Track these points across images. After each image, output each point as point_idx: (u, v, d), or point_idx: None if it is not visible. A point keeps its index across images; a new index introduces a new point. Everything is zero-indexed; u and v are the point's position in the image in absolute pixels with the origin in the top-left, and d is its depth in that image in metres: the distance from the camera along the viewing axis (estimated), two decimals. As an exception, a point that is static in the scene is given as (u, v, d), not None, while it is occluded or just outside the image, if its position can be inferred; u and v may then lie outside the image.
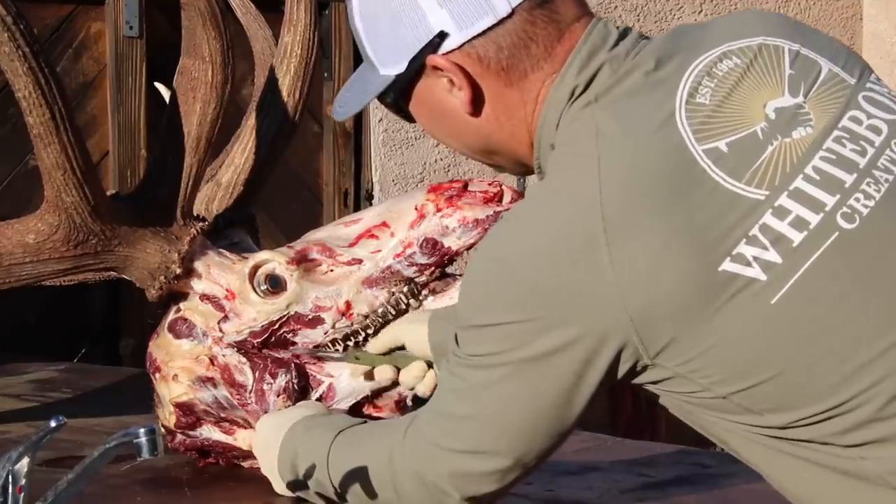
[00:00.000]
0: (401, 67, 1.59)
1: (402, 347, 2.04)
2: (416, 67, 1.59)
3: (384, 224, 2.09)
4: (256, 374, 2.04)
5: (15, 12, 1.88)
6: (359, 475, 1.73)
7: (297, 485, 1.84)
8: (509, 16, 1.55)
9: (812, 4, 5.58)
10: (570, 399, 1.53)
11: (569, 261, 1.46)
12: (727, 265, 1.44)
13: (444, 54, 1.57)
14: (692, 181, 1.46)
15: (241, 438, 2.08)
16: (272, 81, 2.23)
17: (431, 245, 2.06)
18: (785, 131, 1.50)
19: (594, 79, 1.55)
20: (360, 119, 4.44)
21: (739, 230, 1.44)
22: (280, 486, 1.89)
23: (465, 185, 2.09)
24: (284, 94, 2.22)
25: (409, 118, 1.68)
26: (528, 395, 1.53)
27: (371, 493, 1.71)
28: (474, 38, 1.56)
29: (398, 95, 1.63)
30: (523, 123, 1.60)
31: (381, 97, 1.64)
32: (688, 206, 1.45)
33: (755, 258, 1.44)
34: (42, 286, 2.11)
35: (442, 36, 1.56)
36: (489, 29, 1.55)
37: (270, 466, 1.89)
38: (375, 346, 2.05)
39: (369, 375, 2.05)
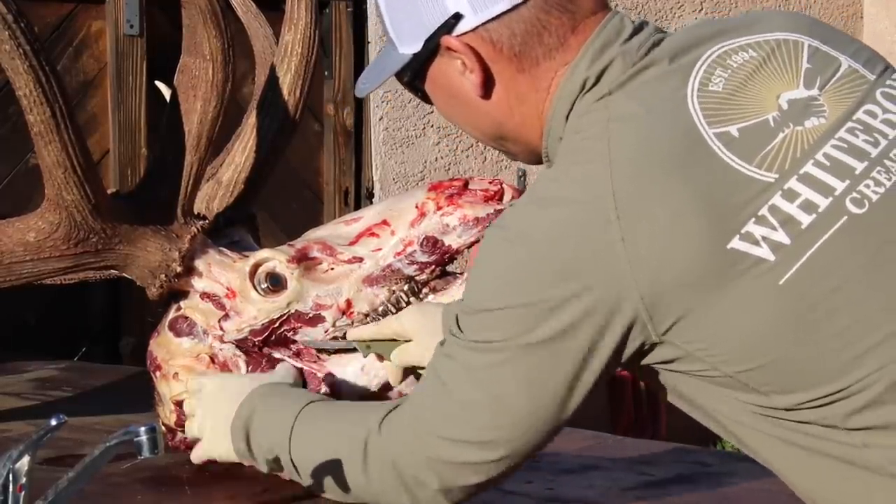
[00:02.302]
0: (417, 47, 1.62)
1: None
2: (432, 48, 1.61)
3: (385, 222, 2.09)
4: (249, 369, 2.04)
5: (15, 10, 1.88)
6: (326, 453, 1.72)
7: (247, 450, 1.83)
8: (524, 2, 1.57)
9: (812, 3, 5.58)
10: (574, 383, 1.53)
11: (580, 239, 1.47)
12: (736, 243, 1.45)
13: (458, 36, 1.59)
14: (702, 161, 1.47)
15: (241, 437, 2.07)
16: (273, 80, 2.23)
17: (432, 243, 2.06)
18: (797, 120, 1.51)
19: (605, 72, 1.56)
20: (360, 117, 4.44)
21: (748, 209, 1.45)
22: (222, 449, 1.87)
23: (466, 184, 2.09)
24: (285, 92, 2.22)
25: (427, 100, 1.69)
26: (533, 379, 1.53)
27: (337, 473, 1.71)
28: (488, 21, 1.58)
29: (414, 75, 1.65)
30: (534, 111, 1.62)
31: (399, 76, 1.66)
32: (697, 184, 1.46)
33: (764, 238, 1.45)
34: (42, 285, 2.11)
35: (457, 17, 1.58)
36: (504, 13, 1.57)
37: (223, 424, 1.86)
38: (372, 331, 2.00)
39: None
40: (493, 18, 1.57)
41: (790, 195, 1.47)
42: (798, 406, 1.48)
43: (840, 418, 1.47)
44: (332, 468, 1.73)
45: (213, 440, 1.90)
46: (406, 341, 1.98)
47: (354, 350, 2.02)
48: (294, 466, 1.78)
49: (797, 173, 1.48)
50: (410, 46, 1.62)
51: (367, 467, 1.67)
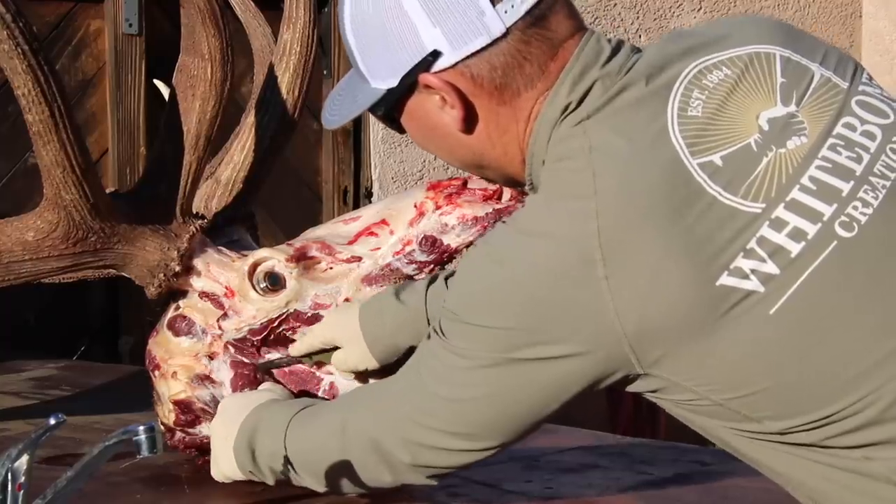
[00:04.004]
0: (392, 83, 1.58)
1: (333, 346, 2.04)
2: (408, 84, 1.58)
3: (383, 222, 2.09)
4: (236, 385, 2.05)
5: (14, 10, 1.88)
6: (311, 446, 1.77)
7: (251, 461, 1.86)
8: (504, 36, 1.54)
9: (811, 2, 5.58)
10: (550, 401, 1.55)
11: (566, 279, 1.46)
12: (725, 279, 1.44)
13: (436, 73, 1.56)
14: (688, 196, 1.45)
15: (240, 436, 2.08)
16: (271, 79, 2.23)
17: (431, 242, 2.06)
18: (779, 142, 1.50)
19: (586, 96, 1.54)
20: (359, 117, 4.43)
21: (737, 244, 1.44)
22: (230, 465, 1.90)
23: (465, 183, 2.09)
24: (284, 91, 2.22)
25: (400, 129, 1.67)
26: (508, 390, 1.54)
27: (321, 461, 1.76)
28: (468, 57, 1.54)
29: (389, 108, 1.62)
30: (515, 140, 1.60)
31: (372, 109, 1.63)
32: (684, 222, 1.44)
33: (753, 271, 1.44)
34: (41, 284, 2.11)
35: (435, 54, 1.55)
36: (483, 49, 1.54)
37: (227, 441, 1.90)
38: (304, 346, 2.04)
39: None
40: (473, 54, 1.54)
41: (778, 224, 1.45)
42: (792, 429, 1.48)
43: (836, 438, 1.47)
44: (320, 459, 1.76)
45: (216, 459, 1.94)
46: (336, 348, 2.02)
47: (302, 362, 2.06)
48: (291, 466, 1.79)
49: (784, 201, 1.46)
50: (384, 82, 1.59)
51: (346, 446, 1.71)
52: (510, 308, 1.49)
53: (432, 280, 1.98)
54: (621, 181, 1.46)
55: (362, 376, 2.03)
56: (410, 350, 1.96)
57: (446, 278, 1.97)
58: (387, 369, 1.98)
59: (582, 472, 2.18)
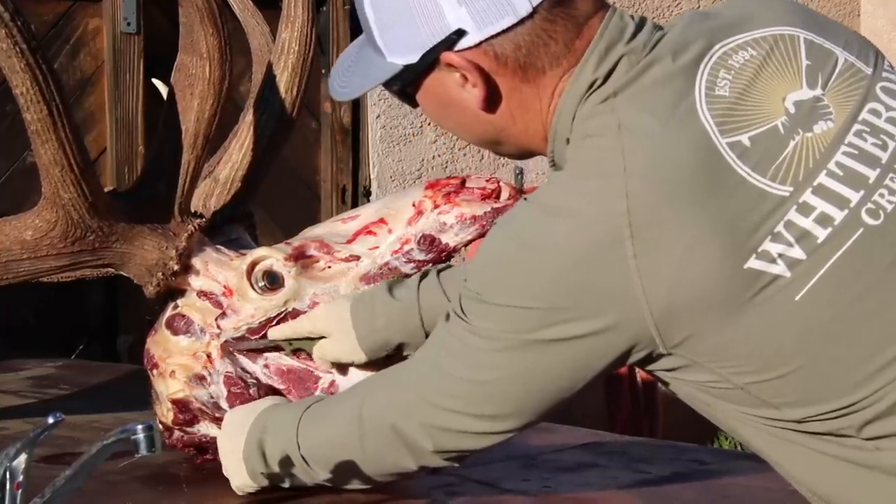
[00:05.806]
0: (411, 59, 1.57)
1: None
2: (429, 61, 1.57)
3: (382, 221, 2.09)
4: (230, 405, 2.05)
5: (13, 8, 1.88)
6: (326, 439, 1.76)
7: (263, 464, 1.85)
8: (530, 15, 1.53)
9: (809, 1, 5.57)
10: (573, 381, 1.54)
11: (593, 257, 1.45)
12: (752, 262, 1.43)
13: (459, 51, 1.55)
14: (718, 175, 1.45)
15: (238, 435, 2.07)
16: (270, 78, 2.23)
17: (429, 241, 2.06)
18: (806, 125, 1.49)
19: (612, 72, 1.54)
20: (357, 115, 4.44)
21: (765, 227, 1.44)
22: (241, 476, 1.89)
23: (463, 182, 2.09)
24: (282, 90, 2.22)
25: (413, 104, 1.65)
26: (531, 370, 1.53)
27: (337, 454, 1.74)
28: (492, 36, 1.54)
29: (405, 84, 1.61)
30: (538, 117, 1.59)
31: (387, 84, 1.62)
32: (714, 202, 1.44)
33: (780, 255, 1.44)
34: (40, 283, 2.11)
35: (459, 33, 1.54)
36: (508, 28, 1.53)
37: (234, 453, 1.88)
38: (288, 330, 2.03)
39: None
40: (498, 33, 1.53)
41: (805, 209, 1.45)
42: (810, 418, 1.48)
43: (853, 428, 1.47)
44: (337, 452, 1.75)
45: (228, 474, 1.92)
46: (321, 338, 2.00)
47: (282, 348, 2.04)
48: (306, 462, 1.79)
49: (811, 185, 1.46)
50: (402, 57, 1.57)
51: (364, 436, 1.70)
52: (533, 287, 1.48)
53: (424, 275, 1.98)
54: (652, 159, 1.45)
55: (343, 369, 2.02)
56: (400, 346, 1.96)
57: (438, 272, 1.97)
58: (372, 364, 1.97)
59: (580, 470, 2.18)
